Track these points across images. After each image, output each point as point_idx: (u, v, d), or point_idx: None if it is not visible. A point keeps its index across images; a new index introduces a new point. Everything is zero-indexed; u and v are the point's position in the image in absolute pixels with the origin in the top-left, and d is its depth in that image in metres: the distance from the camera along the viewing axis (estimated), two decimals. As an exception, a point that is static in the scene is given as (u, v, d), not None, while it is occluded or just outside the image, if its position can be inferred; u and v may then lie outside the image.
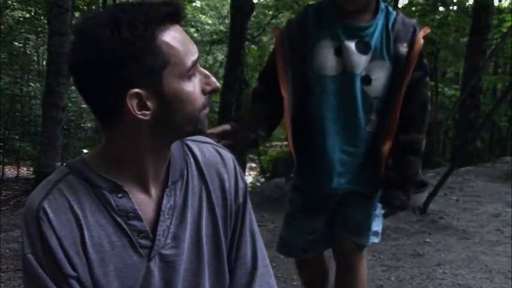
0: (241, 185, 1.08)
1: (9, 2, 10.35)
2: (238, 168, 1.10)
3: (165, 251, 0.98)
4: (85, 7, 10.54)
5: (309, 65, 1.75)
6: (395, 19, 1.72)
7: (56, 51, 5.81)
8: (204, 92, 0.94)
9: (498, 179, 6.76)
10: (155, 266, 0.97)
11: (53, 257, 0.89)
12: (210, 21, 16.14)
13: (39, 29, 10.50)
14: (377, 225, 1.95)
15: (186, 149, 1.04)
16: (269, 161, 11.91)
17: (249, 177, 11.99)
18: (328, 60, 1.71)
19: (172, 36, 0.88)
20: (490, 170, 7.49)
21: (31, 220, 0.90)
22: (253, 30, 12.45)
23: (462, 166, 7.28)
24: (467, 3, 12.78)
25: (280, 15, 12.77)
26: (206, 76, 0.94)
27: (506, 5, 11.88)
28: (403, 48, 1.70)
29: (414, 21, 1.78)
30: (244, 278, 1.07)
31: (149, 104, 0.88)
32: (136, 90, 0.86)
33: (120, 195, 0.93)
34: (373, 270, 3.25)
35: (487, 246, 3.90)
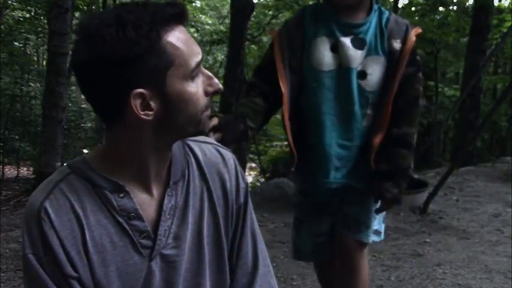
0: (242, 184, 1.09)
1: (9, 2, 10.34)
2: (239, 168, 1.10)
3: (166, 251, 0.98)
4: (85, 7, 10.53)
5: (305, 62, 1.80)
6: (388, 18, 1.79)
7: (56, 51, 5.80)
8: (206, 93, 0.94)
9: (498, 179, 6.76)
10: (156, 266, 0.97)
11: (53, 257, 0.89)
12: (210, 21, 16.13)
13: (39, 29, 10.48)
14: (378, 224, 1.96)
15: (187, 149, 1.04)
16: (269, 161, 11.90)
17: (249, 177, 11.99)
18: (324, 56, 1.76)
19: (177, 37, 0.88)
20: (490, 170, 7.49)
21: (32, 220, 0.90)
22: (253, 30, 12.44)
23: (462, 166, 7.27)
24: (467, 3, 12.77)
25: (280, 15, 12.77)
26: (209, 77, 0.95)
27: (506, 5, 11.88)
28: (397, 44, 1.76)
29: (406, 21, 1.86)
30: (245, 277, 1.07)
31: (152, 104, 0.88)
32: (140, 90, 0.86)
33: (121, 195, 0.93)
34: (373, 270, 3.25)
35: (487, 246, 3.90)
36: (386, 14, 1.81)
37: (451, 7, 12.76)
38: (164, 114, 0.90)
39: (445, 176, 5.11)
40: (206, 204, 1.03)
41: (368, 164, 1.80)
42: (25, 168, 11.29)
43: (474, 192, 6.01)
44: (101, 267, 0.92)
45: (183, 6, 0.91)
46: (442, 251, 3.77)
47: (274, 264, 3.35)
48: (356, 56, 1.75)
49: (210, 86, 0.95)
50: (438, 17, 11.95)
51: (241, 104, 1.87)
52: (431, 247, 3.86)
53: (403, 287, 3.06)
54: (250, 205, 1.10)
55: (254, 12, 10.38)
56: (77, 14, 9.93)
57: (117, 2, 10.51)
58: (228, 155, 1.09)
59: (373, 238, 1.96)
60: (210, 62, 17.65)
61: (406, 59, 1.75)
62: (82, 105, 12.39)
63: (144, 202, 0.96)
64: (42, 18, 10.08)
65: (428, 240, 4.06)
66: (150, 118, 0.89)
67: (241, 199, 1.08)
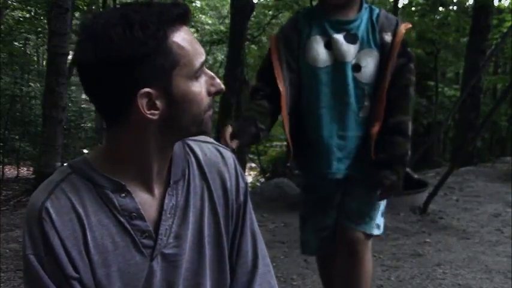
0: (242, 184, 1.09)
1: (9, 2, 10.34)
2: (238, 167, 1.10)
3: (167, 251, 0.98)
4: (85, 7, 10.53)
5: (302, 60, 1.90)
6: (378, 13, 1.90)
7: (56, 51, 5.79)
8: (209, 93, 0.95)
9: (498, 179, 6.76)
10: (157, 266, 0.97)
11: (54, 257, 0.88)
12: (210, 21, 16.13)
13: (39, 29, 10.47)
14: (379, 219, 2.01)
15: (187, 148, 1.05)
16: (269, 161, 11.92)
17: (249, 177, 12.00)
18: (319, 53, 1.87)
19: (182, 37, 0.89)
20: (490, 170, 7.49)
21: (33, 220, 0.89)
22: (253, 30, 12.45)
23: (462, 166, 7.28)
24: (467, 3, 12.78)
25: (280, 15, 12.78)
26: (211, 77, 0.95)
27: (506, 5, 11.88)
28: (388, 37, 1.86)
29: (396, 17, 1.97)
30: (244, 276, 1.08)
31: (158, 103, 0.88)
32: (147, 89, 0.87)
33: (123, 194, 0.93)
34: (373, 270, 3.24)
35: (487, 246, 3.90)
36: (376, 10, 1.92)
37: (451, 7, 12.77)
38: (169, 113, 0.90)
39: (445, 176, 5.11)
40: (207, 204, 1.03)
41: (368, 154, 1.86)
42: (25, 168, 11.29)
43: (474, 192, 6.01)
44: (102, 267, 0.92)
45: (187, 7, 0.91)
46: (442, 251, 3.77)
47: (274, 264, 3.35)
48: (349, 50, 1.85)
49: (212, 86, 0.95)
50: (438, 17, 11.96)
51: (248, 109, 1.94)
52: (431, 247, 3.86)
53: (403, 287, 3.06)
54: (250, 204, 1.11)
55: (254, 12, 10.39)
56: (77, 14, 9.92)
57: (117, 2, 10.51)
58: (228, 154, 1.10)
59: (375, 231, 2.00)
60: (210, 62, 17.65)
61: (396, 50, 1.84)
62: (82, 105, 12.39)
63: (146, 202, 0.96)
64: (42, 18, 10.07)
65: (428, 240, 4.06)
66: (155, 118, 0.89)
67: (241, 198, 1.08)
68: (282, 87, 1.86)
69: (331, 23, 1.88)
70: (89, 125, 12.95)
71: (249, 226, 1.10)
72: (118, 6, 0.98)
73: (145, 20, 0.85)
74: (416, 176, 5.59)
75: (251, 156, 12.12)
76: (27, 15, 10.65)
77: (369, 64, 1.85)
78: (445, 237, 4.14)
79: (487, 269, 3.33)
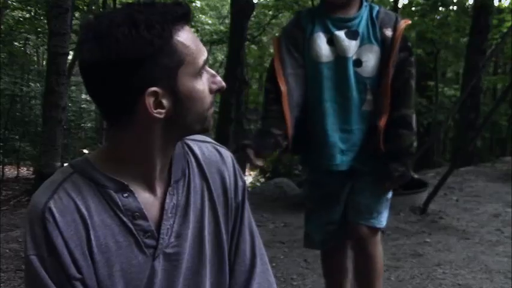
0: (240, 183, 1.09)
1: (9, 2, 10.34)
2: (237, 166, 1.11)
3: (168, 250, 0.98)
4: (85, 7, 10.53)
5: (307, 57, 1.97)
6: (378, 11, 1.98)
7: (56, 51, 5.79)
8: (211, 90, 0.95)
9: (498, 179, 6.76)
10: (159, 266, 0.97)
11: (57, 258, 0.88)
12: (210, 21, 16.13)
13: (39, 29, 10.48)
14: (386, 212, 2.07)
15: (187, 148, 1.05)
16: (269, 161, 11.91)
17: (249, 177, 11.99)
18: (322, 49, 1.94)
19: (186, 36, 0.90)
20: (490, 170, 7.49)
21: (36, 221, 0.89)
22: (253, 30, 12.47)
23: (462, 166, 7.28)
24: (467, 3, 12.78)
25: (280, 15, 12.79)
26: (213, 75, 0.96)
27: (506, 5, 11.88)
28: (389, 32, 1.93)
29: (396, 13, 2.03)
30: (243, 275, 1.08)
31: (164, 102, 0.89)
32: (154, 88, 0.87)
33: (125, 194, 0.93)
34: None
35: (487, 246, 3.90)
36: (376, 7, 1.99)
37: (451, 7, 12.76)
38: (175, 112, 0.91)
39: (445, 176, 5.11)
40: (207, 203, 1.04)
41: (377, 146, 1.93)
42: (25, 168, 11.30)
43: (474, 192, 6.01)
44: (105, 267, 0.92)
45: (188, 6, 0.92)
46: (442, 251, 3.77)
47: (274, 264, 3.35)
48: (350, 46, 1.92)
49: (214, 84, 0.96)
50: (438, 17, 11.96)
51: (265, 118, 2.01)
52: (431, 247, 3.86)
53: (403, 287, 3.06)
54: (247, 204, 1.11)
55: (254, 12, 10.39)
56: (77, 14, 9.92)
57: (117, 2, 10.52)
58: (226, 153, 1.10)
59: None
60: (210, 62, 17.65)
61: (398, 44, 1.91)
62: (82, 105, 12.40)
63: (148, 201, 0.96)
64: (42, 18, 10.08)
65: (428, 240, 4.06)
66: (161, 116, 0.90)
67: (240, 197, 1.09)
68: (283, 88, 1.93)
69: (332, 21, 1.95)
70: (89, 125, 12.97)
71: (247, 225, 1.10)
72: (120, 6, 0.98)
73: (150, 19, 0.86)
74: (416, 176, 5.59)
75: (251, 156, 12.11)
76: (27, 15, 10.66)
77: (370, 59, 1.92)
78: (445, 237, 4.14)
79: (487, 269, 3.33)
